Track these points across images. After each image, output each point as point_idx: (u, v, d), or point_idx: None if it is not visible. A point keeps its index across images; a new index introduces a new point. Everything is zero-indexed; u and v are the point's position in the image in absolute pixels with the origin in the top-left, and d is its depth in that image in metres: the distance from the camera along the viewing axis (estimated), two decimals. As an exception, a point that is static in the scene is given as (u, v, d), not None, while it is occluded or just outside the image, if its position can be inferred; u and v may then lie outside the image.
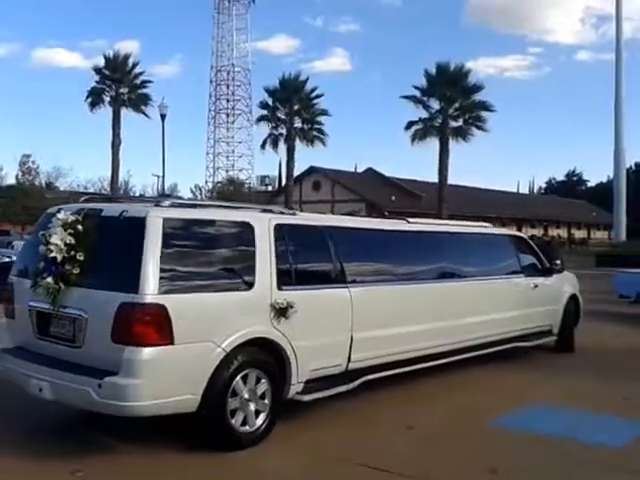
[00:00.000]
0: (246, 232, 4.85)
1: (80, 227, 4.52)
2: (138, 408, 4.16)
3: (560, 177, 70.19)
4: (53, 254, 4.44)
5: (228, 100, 49.52)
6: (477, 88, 31.92)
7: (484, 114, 31.82)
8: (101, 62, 36.41)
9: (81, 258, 4.43)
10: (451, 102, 31.72)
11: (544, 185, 72.42)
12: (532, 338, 8.08)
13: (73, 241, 4.46)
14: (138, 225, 4.28)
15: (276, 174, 59.19)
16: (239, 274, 4.77)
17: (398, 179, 49.13)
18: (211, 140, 56.35)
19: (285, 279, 4.97)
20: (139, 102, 35.65)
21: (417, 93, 32.25)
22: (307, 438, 4.98)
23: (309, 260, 5.42)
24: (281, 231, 5.07)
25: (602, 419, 5.73)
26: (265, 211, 5.38)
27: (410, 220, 7.01)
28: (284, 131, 35.44)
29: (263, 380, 4.77)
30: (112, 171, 36.00)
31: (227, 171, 58.47)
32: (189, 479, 4.20)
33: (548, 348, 8.58)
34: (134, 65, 36.12)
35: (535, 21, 78.54)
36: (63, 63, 69.05)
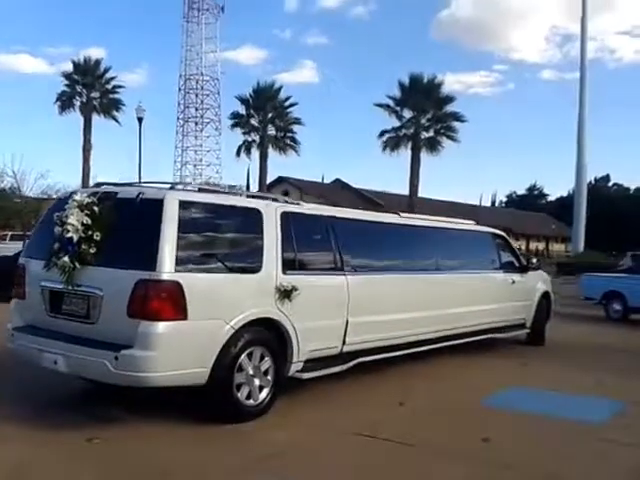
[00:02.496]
0: (255, 218, 5.07)
1: (96, 208, 4.66)
2: (153, 379, 4.31)
3: (521, 191, 71.98)
4: (70, 234, 4.55)
5: (197, 109, 48.76)
6: (449, 99, 32.73)
7: (455, 124, 32.59)
8: (69, 68, 35.95)
9: (97, 238, 4.56)
10: (424, 112, 32.33)
11: (505, 199, 74.18)
12: (508, 330, 8.53)
13: (89, 221, 4.58)
14: (156, 206, 4.45)
15: (244, 184, 59.04)
16: (248, 257, 5.00)
17: (365, 190, 49.74)
18: (179, 149, 55.94)
19: (289, 264, 5.19)
20: (110, 107, 35.28)
21: (390, 102, 32.79)
22: (308, 415, 5.20)
23: (311, 247, 5.67)
24: (287, 219, 5.30)
25: (581, 399, 6.11)
26: (273, 200, 5.61)
27: (402, 214, 7.36)
28: (257, 139, 35.42)
29: (266, 358, 4.98)
30: (83, 176, 35.31)
31: (194, 179, 57.98)
32: (201, 446, 4.36)
33: (520, 341, 9.04)
34: (106, 70, 35.85)
35: (501, 39, 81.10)
36: (28, 69, 67.27)
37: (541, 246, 62.64)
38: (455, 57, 69.86)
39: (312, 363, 5.43)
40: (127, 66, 76.28)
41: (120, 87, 36.44)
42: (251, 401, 4.88)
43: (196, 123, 45.44)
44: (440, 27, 70.19)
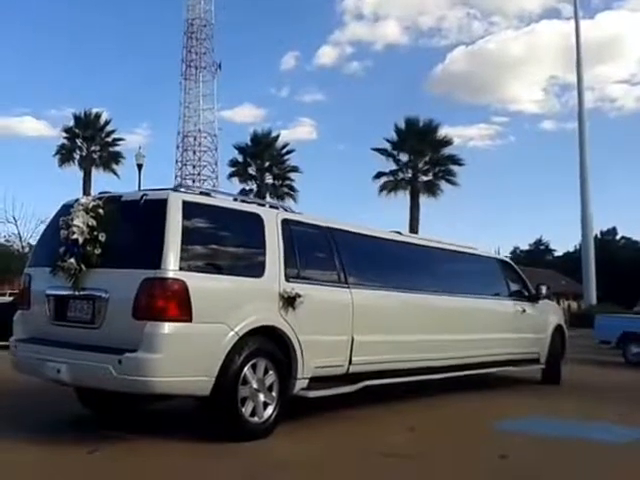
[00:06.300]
0: (256, 223, 5.04)
1: (101, 211, 4.66)
2: (157, 384, 4.18)
3: (525, 246, 70.79)
4: (75, 236, 4.53)
5: (194, 166, 48.75)
6: (446, 142, 31.98)
7: (453, 168, 31.72)
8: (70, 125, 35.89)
9: (102, 239, 4.53)
10: (421, 156, 31.65)
11: (509, 255, 73.40)
12: (521, 364, 8.21)
13: (94, 223, 4.57)
14: (160, 206, 4.45)
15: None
16: (250, 261, 4.96)
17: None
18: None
19: (291, 272, 5.10)
20: (110, 161, 35.14)
21: (388, 146, 32.14)
22: (313, 435, 5.01)
23: (313, 257, 5.58)
24: (288, 226, 5.26)
25: (601, 426, 5.84)
26: (272, 207, 5.60)
27: (403, 233, 7.32)
28: (254, 187, 34.97)
29: (271, 372, 4.81)
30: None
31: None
32: (200, 460, 4.18)
33: (534, 380, 8.73)
34: (106, 122, 35.85)
35: (498, 91, 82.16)
36: (31, 131, 69.15)
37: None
38: (452, 110, 71.11)
39: (318, 382, 5.23)
40: (127, 127, 78.45)
41: (120, 140, 36.36)
42: (256, 418, 4.68)
43: (193, 181, 45.56)
44: (435, 81, 72.07)
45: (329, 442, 4.82)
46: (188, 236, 4.44)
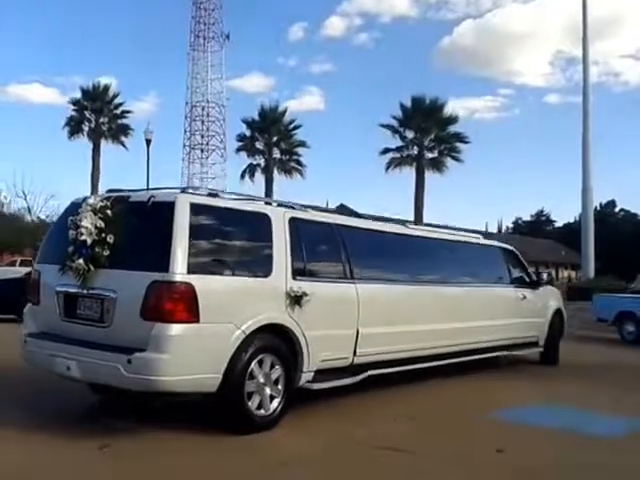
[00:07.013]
0: (264, 222, 5.07)
1: (109, 212, 4.69)
2: (165, 383, 4.27)
3: (527, 217, 71.12)
4: (83, 237, 4.58)
5: (202, 136, 48.53)
6: (452, 120, 32.00)
7: (459, 145, 31.84)
8: (79, 96, 35.66)
9: (110, 241, 4.58)
10: (427, 133, 31.72)
11: (511, 225, 73.53)
12: (521, 348, 8.39)
13: (103, 225, 4.61)
14: (167, 208, 4.47)
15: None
16: (258, 261, 4.99)
17: (369, 215, 49.62)
18: (185, 176, 55.65)
19: (299, 270, 5.16)
20: (118, 133, 35.04)
21: (394, 123, 32.03)
22: (317, 426, 5.12)
23: (320, 254, 5.64)
24: (295, 224, 5.29)
25: (597, 416, 5.96)
26: (280, 205, 5.63)
27: (409, 225, 7.34)
28: (262, 162, 34.82)
29: (277, 366, 4.91)
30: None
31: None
32: (210, 455, 4.28)
33: (532, 361, 8.89)
34: (114, 95, 35.61)
35: (505, 64, 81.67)
36: (39, 98, 68.61)
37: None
38: (458, 83, 71.04)
39: (322, 374, 5.35)
40: (135, 94, 78.23)
41: (128, 112, 36.17)
42: (262, 411, 4.80)
43: (202, 150, 45.30)
44: (443, 54, 71.37)
45: (329, 434, 4.92)
46: (196, 238, 4.48)
